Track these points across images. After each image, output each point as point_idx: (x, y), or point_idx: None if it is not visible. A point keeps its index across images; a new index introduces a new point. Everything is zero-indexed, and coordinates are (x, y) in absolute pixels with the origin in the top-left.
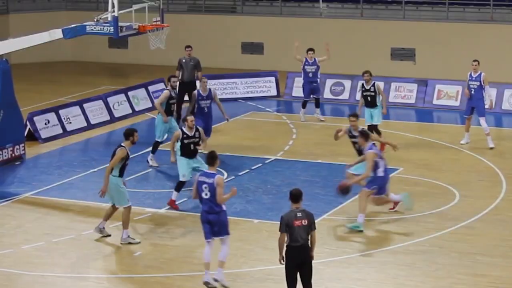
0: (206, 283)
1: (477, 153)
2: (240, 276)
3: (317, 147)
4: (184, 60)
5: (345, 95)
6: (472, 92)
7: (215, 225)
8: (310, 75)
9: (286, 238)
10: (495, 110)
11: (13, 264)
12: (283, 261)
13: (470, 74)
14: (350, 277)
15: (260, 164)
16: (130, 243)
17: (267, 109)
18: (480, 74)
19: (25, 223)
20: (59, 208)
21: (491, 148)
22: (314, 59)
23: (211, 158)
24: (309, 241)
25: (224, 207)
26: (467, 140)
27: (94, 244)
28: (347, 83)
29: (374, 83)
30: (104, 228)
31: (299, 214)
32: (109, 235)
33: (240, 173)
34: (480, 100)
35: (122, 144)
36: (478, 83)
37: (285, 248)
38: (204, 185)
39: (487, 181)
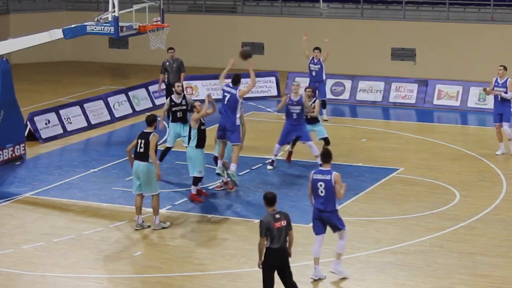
0: (313, 279)
1: (477, 154)
2: (241, 276)
3: (317, 147)
4: (167, 63)
5: (346, 95)
6: (499, 99)
7: (328, 223)
8: (314, 73)
9: (266, 242)
10: None
11: (13, 264)
12: (261, 265)
13: (496, 80)
14: (350, 277)
15: (260, 164)
16: (163, 227)
17: (268, 109)
18: (506, 80)
19: (25, 223)
20: (59, 208)
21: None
22: (319, 58)
23: (327, 156)
24: (287, 242)
25: (337, 206)
26: (503, 151)
27: (94, 244)
28: (348, 83)
29: (315, 100)
30: (142, 222)
31: (277, 216)
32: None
33: (240, 173)
34: (507, 107)
35: (147, 130)
36: (504, 89)
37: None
38: (320, 183)
39: (487, 181)
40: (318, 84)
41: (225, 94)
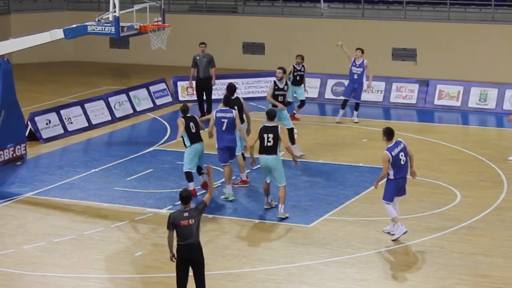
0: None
1: (478, 154)
2: (242, 276)
3: (318, 147)
4: (198, 57)
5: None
6: None
7: (403, 186)
8: (356, 76)
9: (174, 236)
10: (496, 110)
11: (14, 264)
12: (174, 258)
13: None
14: (351, 277)
15: (259, 165)
16: (286, 217)
17: None
18: None
19: (26, 223)
20: (60, 208)
21: None
22: (362, 60)
23: (391, 134)
24: (198, 238)
25: None
26: None
27: (95, 244)
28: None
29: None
30: (271, 200)
31: (185, 214)
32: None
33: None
34: None
35: (271, 124)
36: None
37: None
38: (401, 153)
39: (488, 182)
40: (357, 85)
41: (222, 120)
